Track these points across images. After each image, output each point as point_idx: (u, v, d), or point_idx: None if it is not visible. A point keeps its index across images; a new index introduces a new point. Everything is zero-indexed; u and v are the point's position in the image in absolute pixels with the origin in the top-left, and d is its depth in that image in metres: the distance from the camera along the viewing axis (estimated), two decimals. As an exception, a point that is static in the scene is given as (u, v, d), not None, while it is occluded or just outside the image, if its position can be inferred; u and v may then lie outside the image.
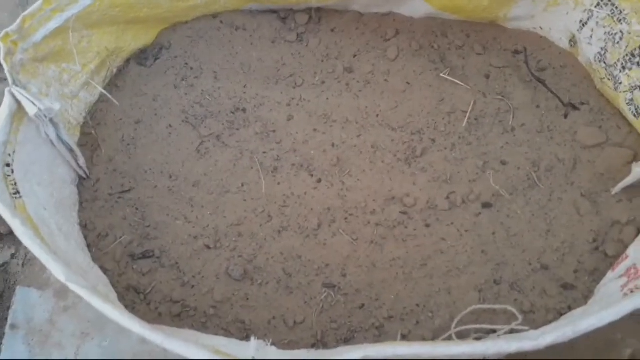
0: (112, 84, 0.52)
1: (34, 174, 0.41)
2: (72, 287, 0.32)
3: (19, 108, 0.38)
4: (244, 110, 0.52)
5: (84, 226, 0.47)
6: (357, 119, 0.52)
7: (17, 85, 0.37)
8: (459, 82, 0.52)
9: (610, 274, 0.43)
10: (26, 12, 0.39)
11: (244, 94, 0.52)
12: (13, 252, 0.55)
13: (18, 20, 0.38)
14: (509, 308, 0.40)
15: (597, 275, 0.44)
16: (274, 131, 0.51)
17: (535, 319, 0.43)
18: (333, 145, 0.51)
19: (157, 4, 0.47)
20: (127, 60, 0.53)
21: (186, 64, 0.53)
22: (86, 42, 0.46)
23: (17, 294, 0.51)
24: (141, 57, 0.53)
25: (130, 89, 0.52)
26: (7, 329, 0.49)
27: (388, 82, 0.53)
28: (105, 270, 0.45)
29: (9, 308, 0.51)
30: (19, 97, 0.37)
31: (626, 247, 0.44)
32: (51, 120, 0.39)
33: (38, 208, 0.39)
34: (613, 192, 0.46)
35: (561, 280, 0.45)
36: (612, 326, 0.31)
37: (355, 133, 0.51)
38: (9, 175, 0.37)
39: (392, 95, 0.53)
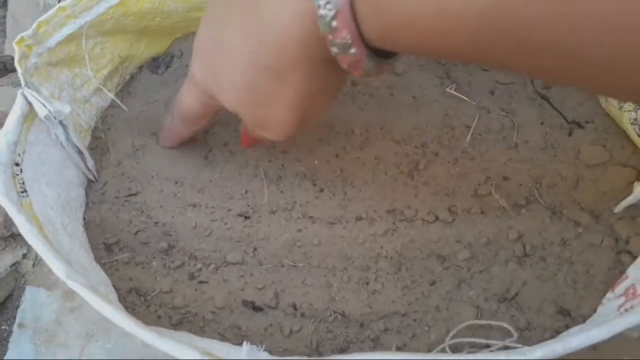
0: (124, 91, 0.53)
1: (42, 174, 0.42)
2: (72, 284, 0.33)
3: (31, 109, 0.39)
4: (250, 119, 0.53)
5: (88, 227, 0.48)
6: (361, 131, 0.52)
7: (29, 88, 0.39)
8: (464, 97, 0.53)
9: (609, 294, 0.42)
10: (41, 18, 0.40)
11: (251, 103, 0.53)
12: (25, 252, 0.56)
13: (34, 25, 0.40)
14: (505, 325, 0.40)
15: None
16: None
17: (531, 337, 0.42)
18: (337, 156, 0.52)
19: (169, 13, 0.49)
20: (140, 68, 0.54)
21: (196, 72, 0.54)
22: (99, 48, 0.47)
23: (26, 293, 0.52)
24: (153, 64, 0.54)
25: (142, 96, 0.53)
26: (14, 327, 0.50)
27: (393, 96, 0.54)
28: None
29: (18, 307, 0.52)
30: (30, 99, 0.38)
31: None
32: (60, 122, 0.40)
33: (44, 207, 0.40)
34: (615, 211, 0.46)
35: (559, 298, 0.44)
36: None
37: (359, 145, 0.52)
38: (17, 175, 0.39)
39: (397, 108, 0.53)
